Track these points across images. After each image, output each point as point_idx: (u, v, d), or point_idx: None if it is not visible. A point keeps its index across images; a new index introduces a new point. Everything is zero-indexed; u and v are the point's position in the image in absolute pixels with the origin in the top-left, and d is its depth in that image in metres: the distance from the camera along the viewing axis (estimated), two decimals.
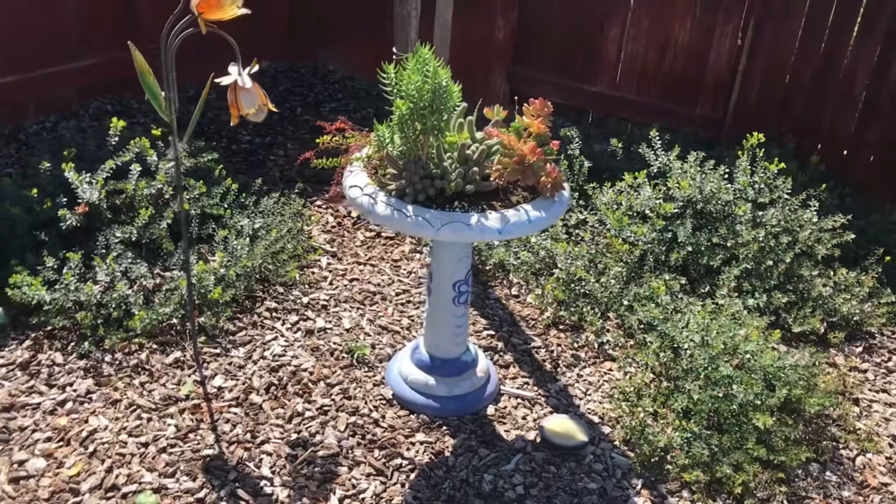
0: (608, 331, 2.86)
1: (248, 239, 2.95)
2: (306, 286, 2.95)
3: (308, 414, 2.38)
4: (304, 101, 4.56)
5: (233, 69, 2.28)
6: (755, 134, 3.27)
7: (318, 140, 2.26)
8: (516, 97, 4.67)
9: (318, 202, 3.53)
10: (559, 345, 2.79)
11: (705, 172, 3.28)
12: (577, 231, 3.31)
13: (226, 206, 3.09)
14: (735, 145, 3.95)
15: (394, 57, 3.12)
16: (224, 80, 2.25)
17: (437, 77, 1.96)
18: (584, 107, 4.53)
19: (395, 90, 2.06)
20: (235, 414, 2.36)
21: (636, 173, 3.29)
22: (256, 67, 2.28)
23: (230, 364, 2.54)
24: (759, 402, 2.36)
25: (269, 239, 2.97)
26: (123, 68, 2.66)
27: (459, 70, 2.34)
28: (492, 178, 2.10)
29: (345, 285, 2.99)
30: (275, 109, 2.32)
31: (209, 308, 2.70)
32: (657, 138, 3.41)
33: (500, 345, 2.75)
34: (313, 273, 3.05)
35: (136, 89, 2.64)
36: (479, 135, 2.19)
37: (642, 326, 2.82)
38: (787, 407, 2.43)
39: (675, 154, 3.36)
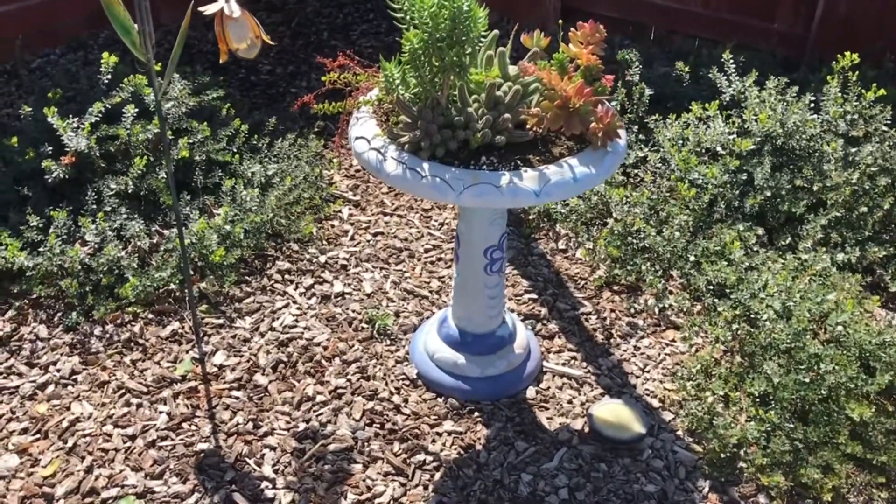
0: (671, 293, 2.46)
1: (258, 189, 2.60)
2: (324, 242, 2.60)
3: (319, 398, 2.06)
4: (332, 24, 4.14)
5: None
6: (847, 54, 2.76)
7: (323, 78, 1.88)
8: (562, 20, 4.17)
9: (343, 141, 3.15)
10: (613, 310, 2.41)
11: (787, 101, 2.80)
12: (635, 172, 2.88)
13: (234, 150, 2.74)
14: (820, 67, 3.43)
15: None
16: (208, 9, 1.88)
17: (457, 0, 1.55)
18: (645, 22, 4.02)
19: (407, 17, 1.66)
20: (237, 399, 2.05)
21: (707, 104, 2.82)
22: None
23: (234, 337, 2.23)
24: (853, 387, 1.96)
25: (282, 188, 2.62)
26: None
27: None
28: (528, 126, 1.69)
29: (368, 241, 2.64)
30: (270, 42, 1.94)
31: (212, 271, 2.38)
32: (731, 61, 2.92)
33: (544, 311, 2.38)
34: (333, 227, 2.69)
35: None
36: (512, 70, 1.78)
37: (711, 288, 2.41)
38: (890, 394, 2.03)
39: (751, 79, 2.87)
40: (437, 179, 1.62)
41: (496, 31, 1.80)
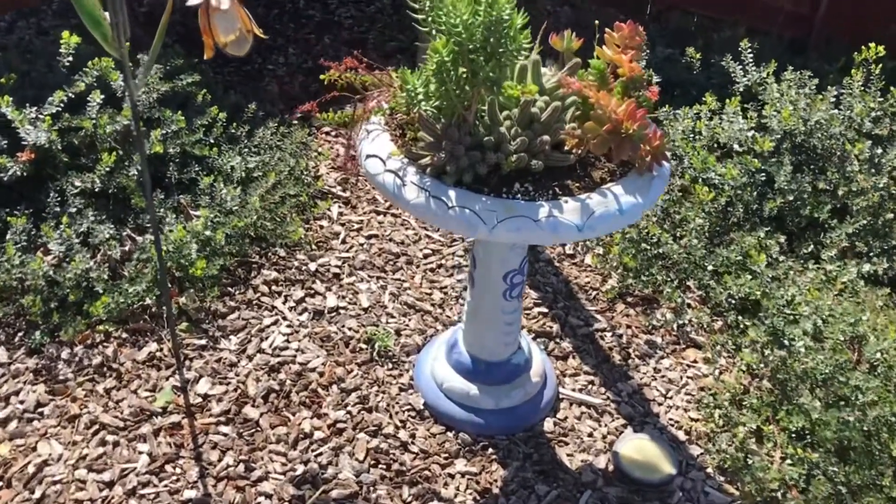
0: (690, 306, 2.30)
1: (239, 186, 2.36)
2: (313, 247, 2.38)
3: (318, 435, 1.87)
4: None
5: None
6: (872, 46, 2.59)
7: (322, 77, 1.65)
8: None
9: (327, 129, 2.91)
10: (629, 326, 2.24)
11: (808, 95, 2.62)
12: None
13: (211, 140, 2.48)
14: (828, 49, 3.26)
15: None
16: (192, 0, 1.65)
17: (496, 7, 1.32)
18: None
19: (431, 21, 1.43)
20: (225, 435, 1.85)
21: (723, 97, 2.62)
22: None
23: (219, 361, 2.01)
24: None
25: (266, 185, 2.38)
26: None
27: None
28: (567, 148, 1.49)
29: (361, 244, 2.42)
30: (263, 35, 1.71)
31: (192, 284, 2.15)
32: (748, 50, 2.72)
33: (556, 327, 2.20)
34: (322, 228, 2.47)
35: None
36: (548, 80, 1.56)
37: (733, 303, 2.25)
38: None
39: (770, 69, 2.69)
40: (466, 211, 1.42)
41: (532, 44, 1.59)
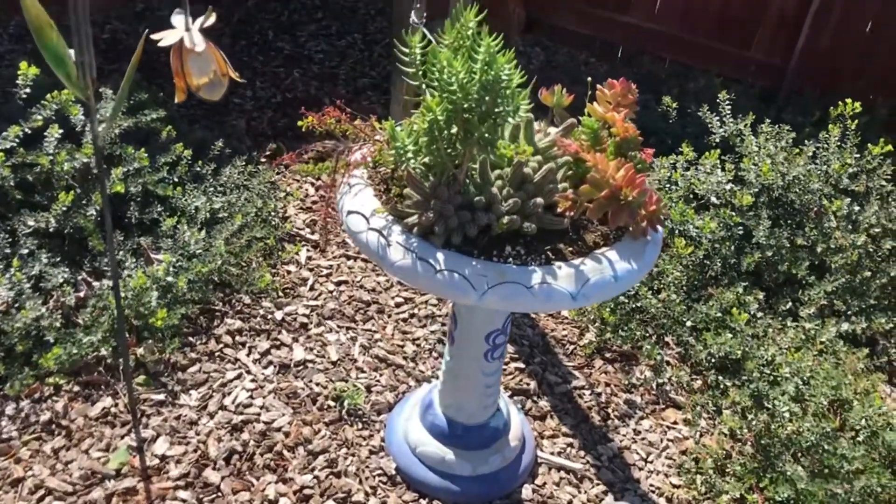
0: (669, 364, 2.24)
1: (203, 229, 2.25)
2: (280, 294, 2.27)
3: (283, 501, 1.75)
4: (277, 22, 3.76)
5: (178, 20, 1.59)
6: (849, 101, 2.58)
7: (300, 123, 1.56)
8: (525, 32, 3.92)
9: (296, 167, 2.80)
10: (608, 383, 2.17)
11: (785, 148, 2.60)
12: None
13: (175, 179, 2.37)
14: (800, 100, 3.28)
15: (411, 25, 2.34)
16: (165, 39, 1.56)
17: (494, 67, 1.25)
18: (613, 41, 3.80)
19: (423, 76, 1.35)
20: (184, 501, 1.72)
21: (707, 152, 2.58)
22: (213, 18, 1.60)
23: (178, 419, 1.89)
24: (886, 498, 1.77)
25: (231, 227, 2.28)
26: None
27: None
28: (560, 210, 1.42)
29: (330, 291, 2.32)
30: (239, 79, 1.63)
31: (151, 334, 2.02)
32: (726, 102, 2.70)
33: (533, 385, 2.12)
34: (289, 273, 2.36)
35: None
36: (540, 139, 1.50)
37: (713, 361, 2.20)
38: None
39: (747, 122, 2.67)
40: (455, 275, 1.34)
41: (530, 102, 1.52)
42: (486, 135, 1.30)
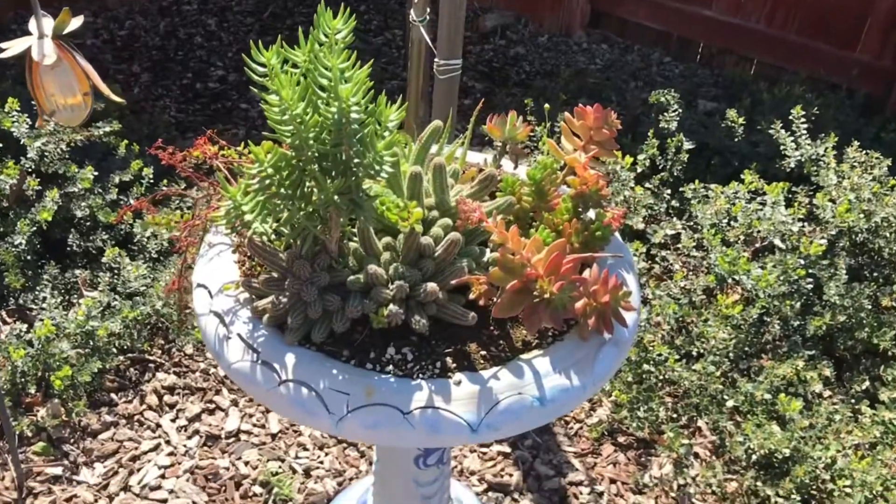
0: (697, 458, 1.77)
1: (148, 264, 1.93)
2: None
3: None
4: (311, 17, 3.42)
5: (33, 25, 1.29)
6: None
7: (171, 162, 1.18)
8: (591, 26, 3.45)
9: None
10: (614, 480, 1.72)
11: (878, 179, 2.06)
12: (662, 255, 2.17)
13: (131, 202, 2.06)
14: None
15: (411, 22, 1.96)
16: (10, 49, 1.26)
17: (339, 101, 0.84)
18: (691, 36, 3.28)
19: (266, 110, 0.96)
20: None
21: (776, 185, 2.07)
22: (79, 21, 1.28)
23: (70, 500, 1.58)
24: None
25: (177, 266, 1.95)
26: None
27: None
28: (473, 295, 1.00)
29: None
30: (118, 100, 1.29)
31: (62, 391, 1.72)
32: (801, 119, 2.17)
33: (516, 476, 1.70)
34: None
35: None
36: (457, 193, 1.08)
37: (755, 459, 1.71)
38: None
39: (829, 144, 2.13)
40: (303, 390, 0.94)
41: (438, 123, 1.11)
42: (336, 198, 0.89)
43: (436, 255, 0.99)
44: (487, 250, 1.04)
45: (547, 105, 1.63)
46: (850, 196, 1.99)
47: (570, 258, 0.92)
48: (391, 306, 0.97)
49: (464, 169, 1.16)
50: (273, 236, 1.02)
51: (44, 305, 1.81)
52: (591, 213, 1.09)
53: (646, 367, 1.86)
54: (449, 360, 0.98)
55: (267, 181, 0.90)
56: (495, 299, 0.99)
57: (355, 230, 1.02)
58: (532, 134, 1.68)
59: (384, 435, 0.94)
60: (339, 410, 0.93)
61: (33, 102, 1.23)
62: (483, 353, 1.00)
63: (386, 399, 0.93)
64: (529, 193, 1.07)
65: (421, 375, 0.96)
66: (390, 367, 0.97)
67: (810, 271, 1.93)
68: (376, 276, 0.98)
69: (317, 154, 0.88)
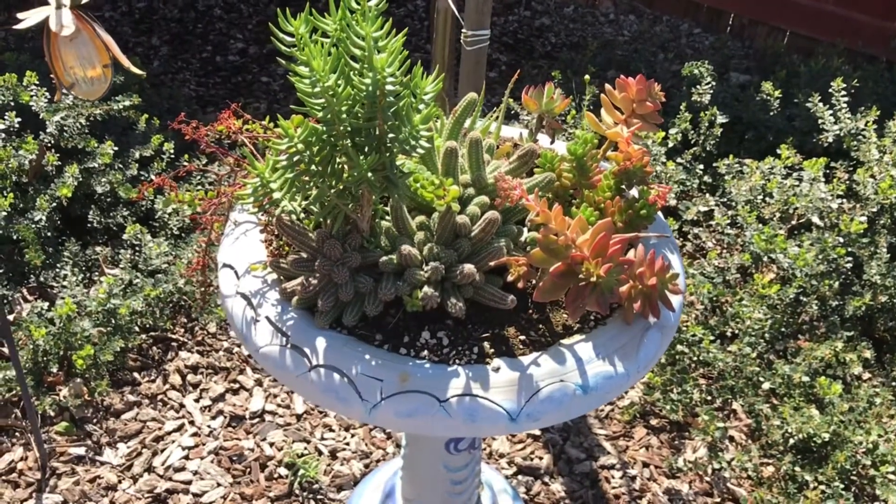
0: (732, 441, 1.72)
1: (169, 241, 1.90)
2: None
3: None
4: None
5: None
6: None
7: (194, 137, 1.14)
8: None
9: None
10: (647, 463, 1.68)
11: None
12: (695, 232, 2.11)
13: (153, 178, 2.03)
14: None
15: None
16: (28, 19, 1.22)
17: (374, 71, 0.79)
18: (721, 7, 3.19)
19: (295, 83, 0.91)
20: None
21: (814, 160, 2.00)
22: None
23: (93, 482, 1.55)
24: None
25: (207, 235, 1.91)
26: None
27: None
28: (511, 277, 0.95)
29: None
30: (139, 72, 1.25)
31: (81, 373, 1.69)
32: (841, 92, 2.10)
33: (547, 459, 1.66)
34: None
35: None
36: (494, 169, 1.02)
37: (793, 444, 1.66)
38: None
39: (870, 118, 2.06)
40: (335, 376, 0.90)
41: (474, 95, 1.05)
42: (370, 175, 0.85)
43: (472, 234, 0.95)
44: (525, 229, 1.00)
45: (587, 76, 1.56)
46: (893, 172, 1.92)
47: (617, 239, 0.87)
48: (426, 288, 0.92)
49: (498, 144, 1.11)
50: (302, 215, 0.98)
51: (65, 283, 1.78)
52: (634, 191, 1.04)
53: (679, 347, 1.81)
54: (486, 345, 0.93)
55: (296, 157, 0.86)
56: (534, 281, 0.95)
57: (388, 209, 0.97)
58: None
59: (419, 423, 0.89)
60: (372, 397, 0.89)
61: (52, 76, 1.19)
62: (522, 337, 0.95)
63: (421, 386, 0.89)
64: (570, 170, 1.01)
65: (457, 361, 0.91)
66: (425, 352, 0.92)
67: (850, 250, 1.87)
68: (410, 256, 0.93)
69: (349, 128, 0.84)
